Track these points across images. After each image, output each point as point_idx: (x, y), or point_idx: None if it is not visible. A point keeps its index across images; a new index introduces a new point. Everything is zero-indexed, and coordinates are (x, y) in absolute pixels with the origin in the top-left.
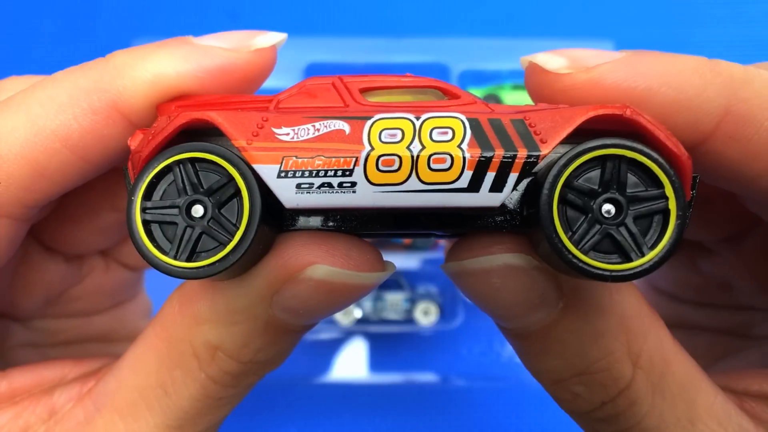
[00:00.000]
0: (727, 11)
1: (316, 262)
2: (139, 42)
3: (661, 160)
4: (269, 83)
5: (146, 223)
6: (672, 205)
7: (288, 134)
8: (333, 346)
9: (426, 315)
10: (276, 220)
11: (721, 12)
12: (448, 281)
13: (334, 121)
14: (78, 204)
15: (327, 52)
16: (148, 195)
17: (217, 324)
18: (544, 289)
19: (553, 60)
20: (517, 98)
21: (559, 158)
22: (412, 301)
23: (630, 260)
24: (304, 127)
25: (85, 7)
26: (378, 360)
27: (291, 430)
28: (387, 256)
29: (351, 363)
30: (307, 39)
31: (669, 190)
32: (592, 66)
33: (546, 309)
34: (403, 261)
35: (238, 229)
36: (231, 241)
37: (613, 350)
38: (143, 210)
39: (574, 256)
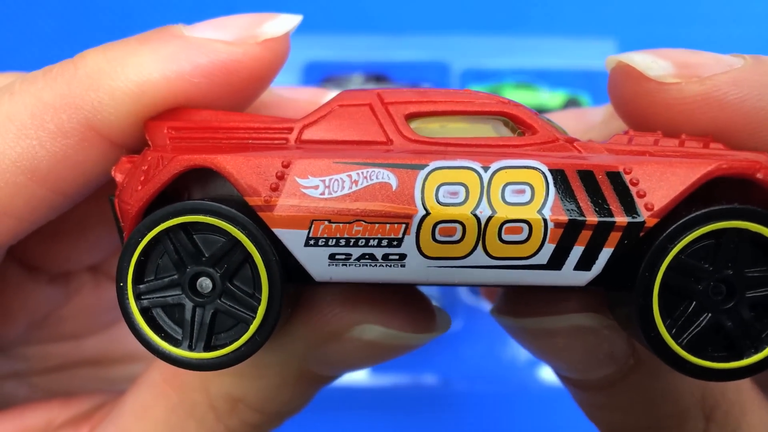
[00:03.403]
0: (728, 11)
1: (366, 322)
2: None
3: None
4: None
5: (145, 311)
6: None
7: (317, 187)
8: None
9: None
10: (302, 274)
11: (721, 12)
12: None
13: (377, 171)
14: (62, 217)
15: (327, 50)
16: (139, 276)
17: (241, 377)
18: (614, 346)
19: (657, 64)
20: (518, 98)
21: (666, 230)
22: None
23: (741, 357)
24: (338, 177)
25: (83, 4)
26: None
27: (291, 430)
28: None
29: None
30: (306, 36)
31: None
32: (707, 76)
33: (614, 365)
34: None
35: (259, 301)
36: (254, 318)
37: (687, 407)
38: (138, 297)
39: (675, 354)
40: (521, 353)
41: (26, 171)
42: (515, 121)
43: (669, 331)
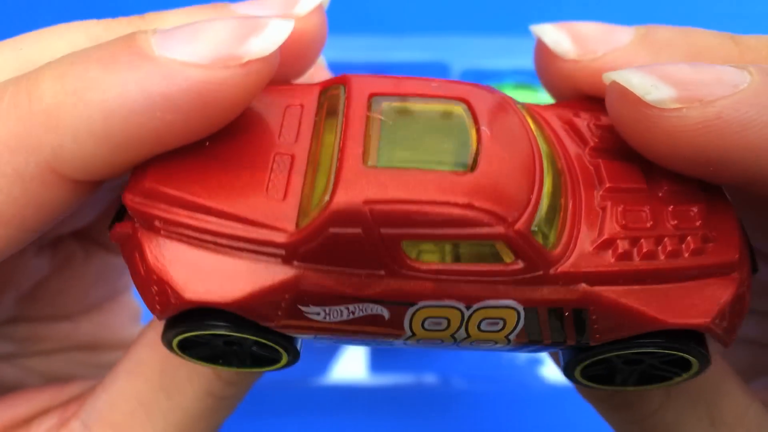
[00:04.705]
0: (728, 11)
1: None
2: None
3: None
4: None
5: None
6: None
7: (319, 314)
8: (333, 347)
9: None
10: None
11: (721, 12)
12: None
13: (372, 306)
14: None
15: (326, 50)
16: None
17: None
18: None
19: (656, 89)
20: (518, 98)
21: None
22: None
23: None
24: (337, 308)
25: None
26: (378, 361)
27: (291, 431)
28: None
29: (351, 364)
30: None
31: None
32: (710, 100)
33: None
34: None
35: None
36: (281, 358)
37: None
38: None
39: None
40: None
41: None
42: (471, 112)
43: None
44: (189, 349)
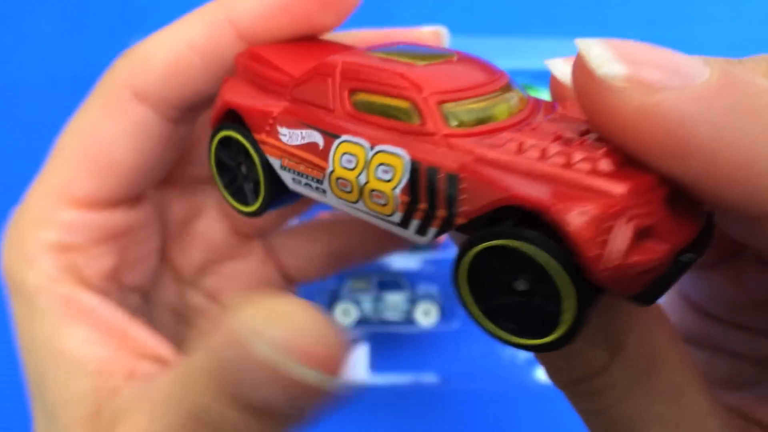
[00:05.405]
0: (728, 11)
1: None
2: (137, 40)
3: (564, 274)
4: None
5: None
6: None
7: (285, 136)
8: None
9: (426, 316)
10: (283, 185)
11: (721, 12)
12: (449, 282)
13: (314, 133)
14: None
15: None
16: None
17: None
18: None
19: (609, 64)
20: None
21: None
22: (413, 302)
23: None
24: (296, 132)
25: (82, 4)
26: (378, 361)
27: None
28: None
29: (351, 363)
30: None
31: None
32: (657, 88)
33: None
34: (403, 261)
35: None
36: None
37: (592, 334)
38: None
39: (471, 313)
40: (521, 352)
41: (188, 43)
42: (416, 108)
43: (472, 298)
44: (220, 172)
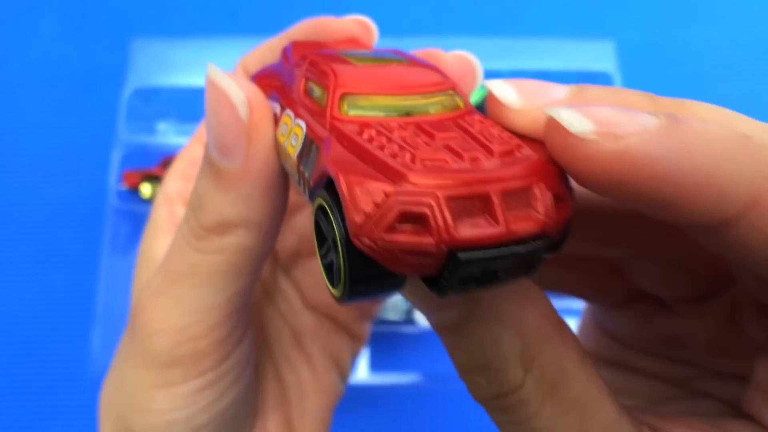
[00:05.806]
0: (728, 11)
1: None
2: (138, 42)
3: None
4: None
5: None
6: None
7: (275, 107)
8: None
9: None
10: None
11: (721, 12)
12: None
13: (284, 110)
14: None
15: None
16: None
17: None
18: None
19: (579, 123)
20: None
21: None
22: None
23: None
24: (276, 104)
25: (82, 4)
26: (378, 361)
27: None
28: None
29: None
30: None
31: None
32: (621, 134)
33: (451, 312)
34: None
35: None
36: None
37: (507, 355)
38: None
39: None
40: None
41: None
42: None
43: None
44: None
